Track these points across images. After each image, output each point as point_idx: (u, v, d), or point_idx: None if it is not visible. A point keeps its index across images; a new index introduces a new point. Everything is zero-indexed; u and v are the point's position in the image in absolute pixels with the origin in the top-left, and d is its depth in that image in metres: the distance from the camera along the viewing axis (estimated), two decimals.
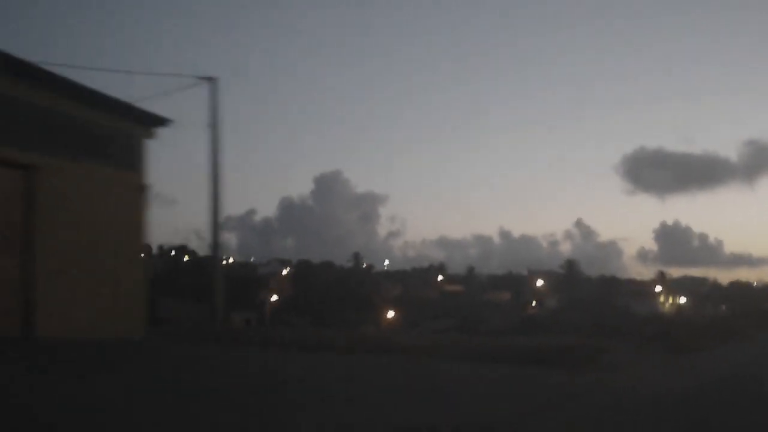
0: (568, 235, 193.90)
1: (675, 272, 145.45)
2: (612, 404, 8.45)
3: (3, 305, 12.68)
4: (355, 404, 7.52)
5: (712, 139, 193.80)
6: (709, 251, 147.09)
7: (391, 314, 70.13)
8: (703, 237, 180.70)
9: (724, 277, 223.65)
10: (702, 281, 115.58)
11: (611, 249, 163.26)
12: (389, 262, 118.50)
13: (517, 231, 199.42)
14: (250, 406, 7.00)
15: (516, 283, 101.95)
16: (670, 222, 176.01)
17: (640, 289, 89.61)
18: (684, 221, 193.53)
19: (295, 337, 15.64)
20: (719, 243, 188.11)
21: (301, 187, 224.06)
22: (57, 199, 13.27)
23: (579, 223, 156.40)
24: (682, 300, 79.15)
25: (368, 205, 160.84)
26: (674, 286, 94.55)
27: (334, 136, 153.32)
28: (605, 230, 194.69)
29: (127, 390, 7.72)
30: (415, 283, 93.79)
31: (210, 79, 15.03)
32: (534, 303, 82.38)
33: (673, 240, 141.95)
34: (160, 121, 14.71)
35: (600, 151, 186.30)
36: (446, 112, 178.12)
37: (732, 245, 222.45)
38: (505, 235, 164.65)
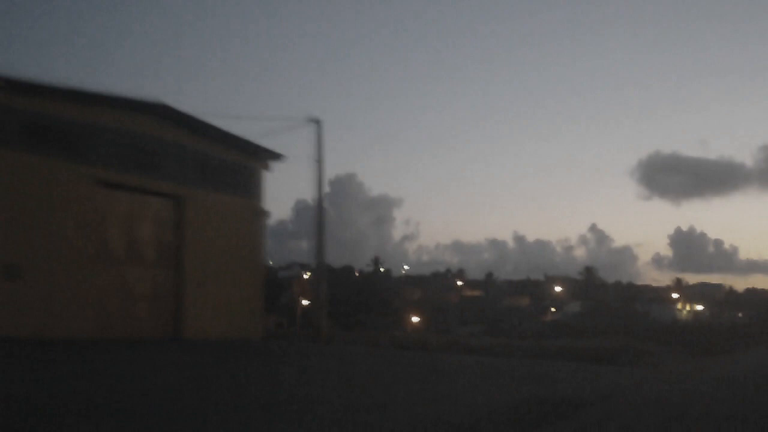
0: (582, 240, 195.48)
1: (690, 278, 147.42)
2: (670, 389, 11.32)
3: (160, 312, 15.77)
4: (502, 383, 10.46)
5: (727, 145, 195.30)
6: (725, 257, 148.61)
7: (415, 319, 72.79)
8: (718, 243, 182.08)
9: (740, 283, 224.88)
10: (717, 288, 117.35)
11: (626, 254, 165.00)
12: (408, 267, 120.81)
13: (531, 236, 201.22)
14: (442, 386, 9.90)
15: (534, 289, 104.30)
16: (685, 228, 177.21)
17: (658, 296, 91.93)
18: (699, 227, 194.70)
19: (382, 338, 18.59)
20: (734, 249, 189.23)
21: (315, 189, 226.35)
22: (199, 222, 16.35)
23: (593, 228, 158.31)
24: (699, 307, 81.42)
25: (382, 208, 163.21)
26: (690, 293, 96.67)
27: (348, 139, 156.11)
28: (620, 235, 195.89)
29: (272, 373, 10.67)
30: (435, 288, 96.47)
31: (316, 121, 18.04)
32: (553, 308, 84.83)
33: (688, 246, 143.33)
34: (275, 156, 17.76)
35: (615, 155, 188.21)
36: (461, 116, 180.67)
37: (747, 251, 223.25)
38: (519, 239, 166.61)
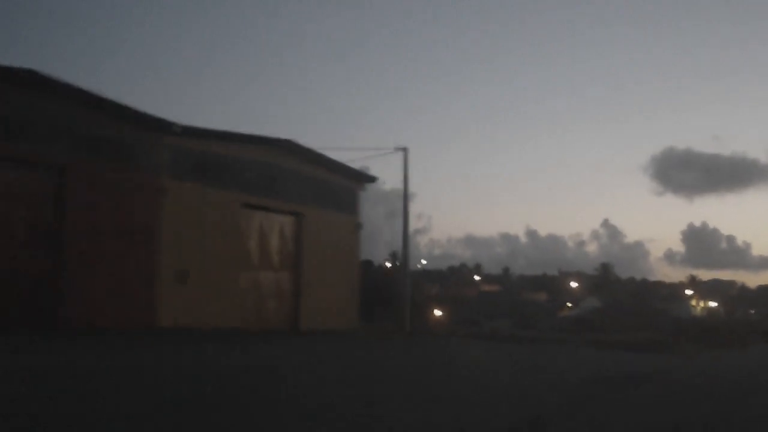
0: (595, 236, 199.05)
1: (702, 275, 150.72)
2: (703, 370, 15.15)
3: (283, 309, 19.76)
4: (587, 363, 14.31)
5: (741, 140, 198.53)
6: (737, 254, 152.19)
7: (438, 313, 76.63)
8: (731, 239, 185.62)
9: (752, 280, 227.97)
10: (730, 284, 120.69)
11: (638, 250, 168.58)
12: (426, 261, 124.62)
13: (543, 230, 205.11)
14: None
15: (549, 284, 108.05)
16: (698, 223, 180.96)
17: (671, 292, 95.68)
18: (712, 223, 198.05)
19: (459, 329, 22.48)
20: (747, 245, 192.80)
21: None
22: (313, 234, 20.32)
23: (606, 224, 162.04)
24: (713, 304, 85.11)
25: (395, 202, 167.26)
26: (703, 290, 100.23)
27: (360, 133, 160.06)
28: (632, 231, 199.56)
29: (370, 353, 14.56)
30: (454, 283, 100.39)
31: (403, 149, 21.94)
32: (570, 304, 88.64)
33: (701, 242, 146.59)
34: (369, 179, 21.70)
35: (629, 151, 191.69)
36: (474, 110, 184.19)
37: (760, 248, 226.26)
38: (531, 234, 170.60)
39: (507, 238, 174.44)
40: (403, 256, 22.30)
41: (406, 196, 22.17)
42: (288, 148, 19.56)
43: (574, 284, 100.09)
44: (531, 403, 7.82)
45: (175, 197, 17.02)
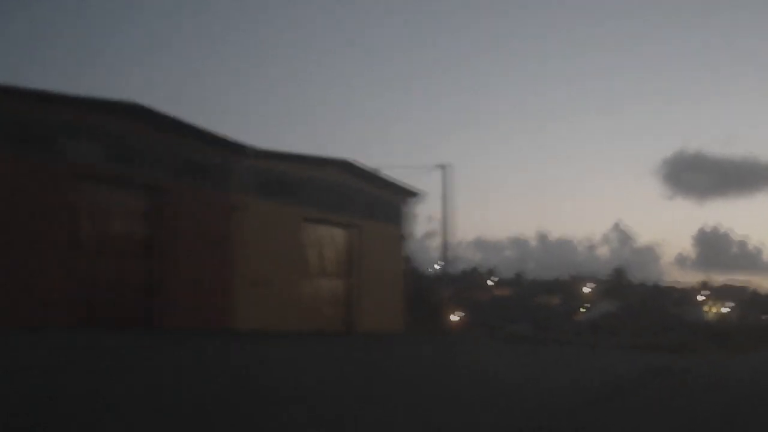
0: (605, 239, 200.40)
1: (714, 278, 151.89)
2: (724, 368, 17.29)
3: (338, 312, 22.03)
4: (626, 362, 16.48)
5: (752, 143, 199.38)
6: (749, 257, 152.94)
7: (455, 317, 78.63)
8: (742, 243, 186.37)
9: (765, 284, 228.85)
10: (742, 289, 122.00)
11: (649, 254, 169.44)
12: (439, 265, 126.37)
13: (554, 234, 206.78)
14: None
15: (562, 288, 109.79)
16: (709, 227, 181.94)
17: (684, 296, 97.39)
18: (724, 226, 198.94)
19: (484, 332, 24.65)
20: (759, 249, 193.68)
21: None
22: (366, 245, 22.58)
23: (616, 227, 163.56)
24: (725, 309, 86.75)
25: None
26: (715, 294, 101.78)
27: (369, 134, 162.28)
28: (643, 234, 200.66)
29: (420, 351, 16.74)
30: (469, 286, 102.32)
31: (443, 167, 24.23)
32: (583, 308, 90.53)
33: (713, 245, 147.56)
34: (413, 194, 23.96)
35: (639, 154, 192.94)
36: (482, 114, 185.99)
37: None
38: (542, 237, 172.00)
39: (517, 242, 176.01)
40: (443, 262, 24.55)
41: (445, 211, 24.53)
42: (344, 166, 21.85)
43: (587, 289, 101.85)
44: (605, 383, 10.04)
45: (248, 213, 19.31)
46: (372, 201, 23.12)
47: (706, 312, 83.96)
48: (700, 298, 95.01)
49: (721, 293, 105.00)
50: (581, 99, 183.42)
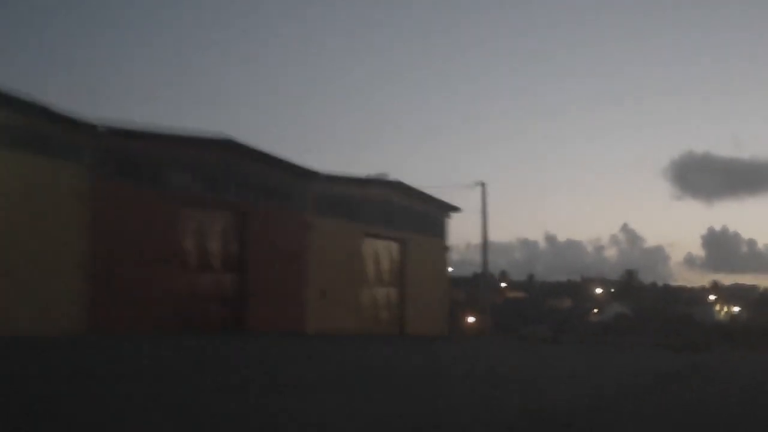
0: (614, 240, 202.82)
1: (723, 279, 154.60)
2: (740, 365, 20.02)
3: (391, 317, 24.85)
4: (657, 359, 19.22)
5: (760, 144, 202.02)
6: (758, 258, 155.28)
7: (471, 319, 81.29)
8: (751, 243, 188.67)
9: None
10: (752, 289, 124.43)
11: (658, 255, 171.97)
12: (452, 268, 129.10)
13: (562, 235, 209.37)
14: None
15: (573, 290, 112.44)
16: (718, 228, 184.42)
17: (694, 297, 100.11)
18: (732, 227, 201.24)
19: (506, 334, 27.45)
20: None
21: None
22: (414, 256, 25.41)
23: (625, 228, 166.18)
24: (736, 309, 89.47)
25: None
26: (725, 294, 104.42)
27: (380, 138, 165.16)
28: (652, 235, 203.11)
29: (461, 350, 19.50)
30: (482, 289, 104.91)
31: (482, 184, 27.08)
32: (595, 310, 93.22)
33: (721, 246, 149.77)
34: (455, 209, 26.81)
35: (647, 155, 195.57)
36: (492, 115, 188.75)
37: None
38: (550, 239, 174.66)
39: (526, 244, 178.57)
40: (483, 272, 27.36)
41: (484, 225, 27.37)
42: (396, 186, 24.71)
43: (598, 290, 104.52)
44: (645, 374, 12.79)
45: (317, 230, 22.15)
46: (419, 216, 25.97)
47: (717, 313, 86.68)
48: (710, 298, 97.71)
49: (730, 294, 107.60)
50: (589, 100, 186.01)
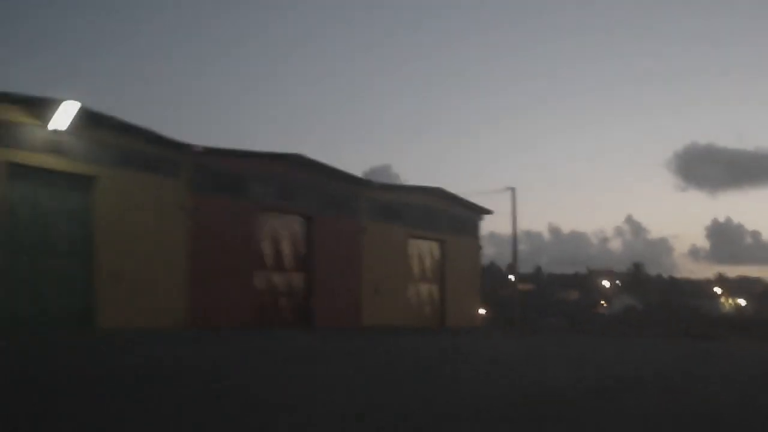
0: (618, 232, 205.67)
1: (727, 270, 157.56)
2: (752, 353, 22.90)
3: (434, 311, 27.78)
4: (677, 347, 22.15)
5: (765, 135, 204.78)
6: (762, 249, 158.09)
7: (482, 311, 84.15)
8: (756, 234, 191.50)
9: None
10: (756, 281, 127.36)
11: (662, 246, 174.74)
12: None
13: (566, 227, 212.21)
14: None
15: (580, 282, 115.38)
16: (722, 219, 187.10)
17: (699, 289, 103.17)
18: (736, 218, 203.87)
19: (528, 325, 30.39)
20: None
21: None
22: (451, 255, 28.34)
23: (629, 220, 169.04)
24: (742, 301, 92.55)
25: None
26: (730, 286, 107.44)
27: (382, 131, 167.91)
28: (656, 227, 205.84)
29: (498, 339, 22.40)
30: (492, 282, 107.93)
31: (512, 189, 29.97)
32: (604, 302, 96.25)
33: (726, 237, 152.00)
34: (487, 211, 29.72)
35: (651, 147, 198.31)
36: (495, 107, 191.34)
37: None
38: (555, 231, 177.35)
39: (530, 236, 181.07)
40: (513, 268, 30.28)
41: (514, 228, 30.36)
42: (436, 192, 27.62)
43: (606, 283, 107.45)
44: (682, 355, 15.71)
45: (370, 233, 25.05)
46: (455, 218, 28.88)
47: (723, 305, 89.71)
48: (716, 291, 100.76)
49: (735, 286, 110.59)
50: (591, 91, 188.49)
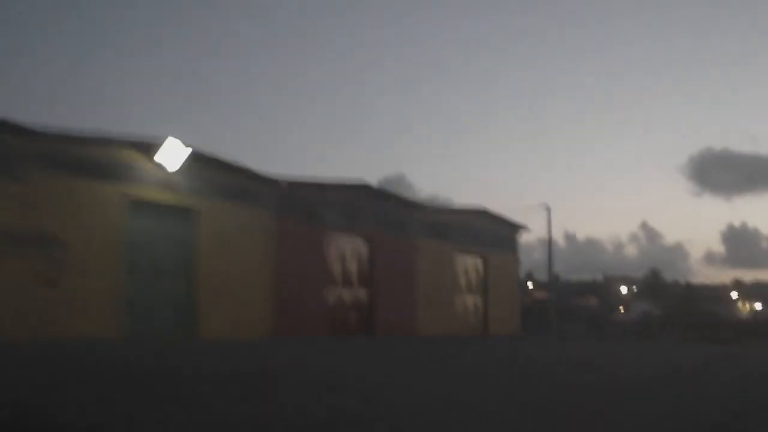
0: (633, 238, 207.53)
1: (744, 275, 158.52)
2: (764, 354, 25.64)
3: (477, 320, 30.72)
4: (703, 349, 24.96)
5: None
6: None
7: None
8: None
9: None
10: None
11: (677, 252, 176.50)
12: None
13: (581, 234, 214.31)
14: None
15: (598, 289, 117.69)
16: (737, 224, 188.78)
17: (716, 295, 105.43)
18: (752, 223, 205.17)
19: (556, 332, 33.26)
20: None
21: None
22: (493, 268, 31.30)
23: (644, 226, 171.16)
24: (758, 306, 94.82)
25: None
26: (747, 292, 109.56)
27: (396, 139, 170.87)
28: (671, 233, 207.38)
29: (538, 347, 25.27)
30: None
31: (547, 208, 32.98)
32: (622, 308, 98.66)
33: (741, 242, 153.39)
34: (523, 227, 32.71)
35: (665, 152, 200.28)
36: (509, 115, 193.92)
37: None
38: (570, 238, 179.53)
39: (545, 243, 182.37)
40: (549, 279, 33.23)
41: (550, 244, 33.37)
42: (479, 212, 30.62)
43: (623, 289, 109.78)
44: (712, 355, 18.57)
45: (423, 251, 28.05)
46: (496, 235, 31.88)
47: (740, 310, 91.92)
48: (733, 296, 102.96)
49: (751, 291, 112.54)
50: (606, 98, 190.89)
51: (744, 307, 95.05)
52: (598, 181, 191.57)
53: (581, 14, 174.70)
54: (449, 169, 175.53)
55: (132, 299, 19.44)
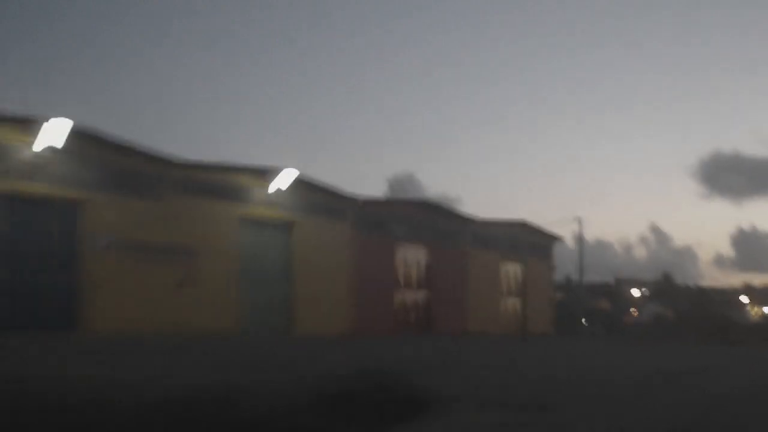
0: (642, 240, 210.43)
1: (753, 278, 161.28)
2: None
3: (514, 324, 34.89)
4: (711, 348, 29.02)
5: None
6: None
7: None
8: None
9: None
10: None
11: (687, 254, 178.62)
12: None
13: (590, 236, 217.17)
14: None
15: (610, 291, 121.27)
16: (746, 227, 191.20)
17: (727, 298, 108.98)
18: (762, 226, 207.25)
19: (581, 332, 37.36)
20: None
21: (373, 190, 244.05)
22: (530, 275, 35.50)
23: (654, 228, 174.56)
24: (766, 310, 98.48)
25: None
26: (758, 295, 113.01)
27: (405, 139, 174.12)
28: (680, 235, 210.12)
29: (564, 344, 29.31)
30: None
31: (579, 219, 37.11)
32: (634, 311, 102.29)
33: (751, 246, 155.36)
34: (558, 238, 36.82)
35: (674, 155, 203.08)
36: (518, 115, 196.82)
37: None
38: (579, 240, 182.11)
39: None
40: (579, 284, 37.34)
41: (581, 255, 37.46)
42: (523, 225, 34.82)
43: (635, 291, 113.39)
44: (727, 356, 22.61)
45: (473, 259, 32.21)
46: (534, 244, 36.02)
47: (750, 313, 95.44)
48: (743, 299, 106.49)
49: (760, 295, 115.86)
50: (614, 100, 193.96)
51: (755, 311, 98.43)
52: (608, 184, 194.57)
53: (593, 13, 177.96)
54: (458, 168, 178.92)
55: (244, 300, 23.63)
